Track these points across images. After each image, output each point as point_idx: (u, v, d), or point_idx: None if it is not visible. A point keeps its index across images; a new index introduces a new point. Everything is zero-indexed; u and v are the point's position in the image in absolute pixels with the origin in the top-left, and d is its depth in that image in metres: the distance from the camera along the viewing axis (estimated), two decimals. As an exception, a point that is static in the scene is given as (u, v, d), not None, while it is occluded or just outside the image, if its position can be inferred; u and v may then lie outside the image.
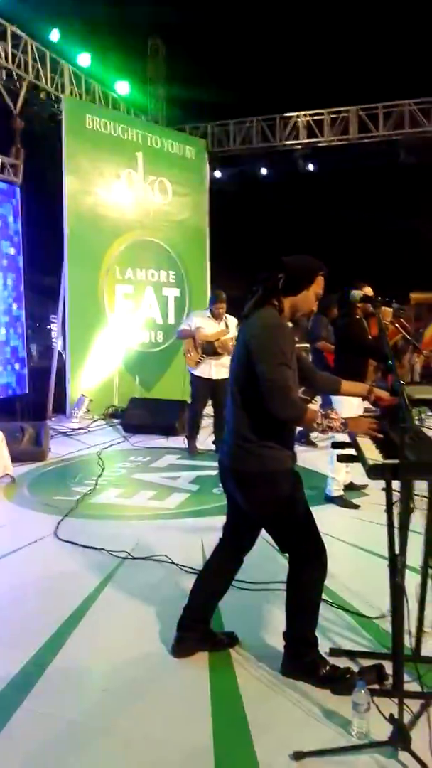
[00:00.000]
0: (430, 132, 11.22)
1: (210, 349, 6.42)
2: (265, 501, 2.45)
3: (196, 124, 12.36)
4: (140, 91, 12.88)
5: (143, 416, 8.15)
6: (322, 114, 11.76)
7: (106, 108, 11.28)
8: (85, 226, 9.61)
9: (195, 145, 11.55)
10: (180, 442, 7.35)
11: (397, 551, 2.23)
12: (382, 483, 2.65)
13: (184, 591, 2.81)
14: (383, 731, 2.13)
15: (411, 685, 2.41)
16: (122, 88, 12.04)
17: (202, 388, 6.56)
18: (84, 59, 11.29)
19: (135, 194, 10.34)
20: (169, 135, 11.20)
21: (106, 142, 9.91)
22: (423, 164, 11.63)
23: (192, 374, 6.63)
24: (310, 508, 2.53)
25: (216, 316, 6.47)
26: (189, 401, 7.10)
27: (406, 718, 2.14)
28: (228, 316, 6.50)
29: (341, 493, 4.98)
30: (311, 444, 7.19)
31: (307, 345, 8.34)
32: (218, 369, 6.39)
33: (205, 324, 6.49)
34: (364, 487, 5.28)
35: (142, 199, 10.43)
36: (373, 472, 2.14)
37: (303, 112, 11.87)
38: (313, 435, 7.22)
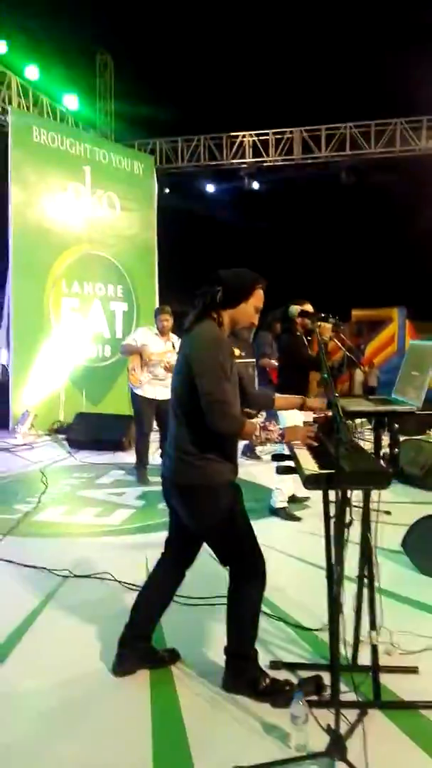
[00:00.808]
0: (370, 154, 11.63)
1: (155, 369, 6.08)
2: (206, 513, 2.46)
3: (144, 140, 12.44)
4: (89, 106, 12.88)
5: (90, 432, 8.04)
6: (267, 134, 12.03)
7: (54, 121, 11.23)
8: (30, 238, 9.49)
9: (143, 161, 11.59)
10: (127, 457, 7.29)
11: (333, 561, 2.27)
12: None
13: (126, 608, 2.77)
14: (321, 742, 2.14)
15: (348, 696, 2.45)
16: (70, 101, 12.02)
17: (147, 408, 6.16)
18: (32, 72, 11.23)
19: (82, 208, 10.28)
20: (117, 150, 11.21)
21: (53, 155, 9.85)
22: (362, 185, 12.04)
23: (135, 394, 6.19)
24: (254, 520, 2.55)
25: (162, 332, 6.15)
26: (134, 423, 6.60)
27: (343, 729, 2.16)
28: (174, 336, 6.19)
29: (285, 505, 5.03)
30: (256, 457, 7.24)
31: (253, 360, 8.43)
32: (162, 389, 6.03)
33: (151, 341, 6.13)
34: (306, 499, 5.35)
35: (89, 213, 10.38)
36: (310, 481, 2.18)
37: (249, 132, 12.11)
38: (259, 449, 7.28)
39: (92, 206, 10.45)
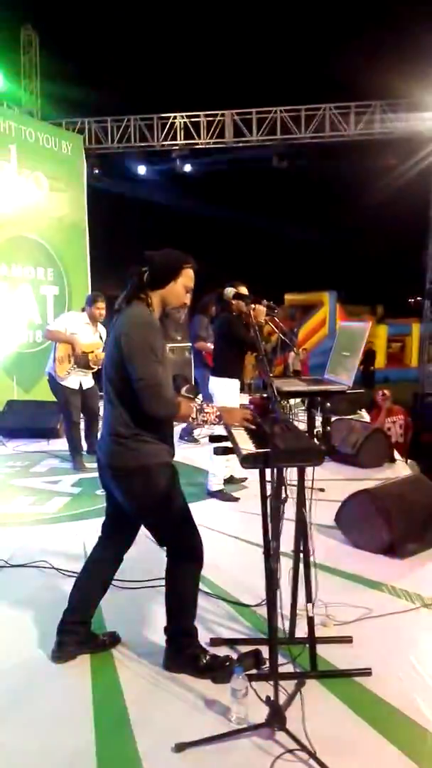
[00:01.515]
0: (300, 139, 11.75)
1: (83, 362, 5.93)
2: (142, 495, 2.45)
3: (72, 120, 12.11)
4: (14, 83, 12.41)
5: (22, 419, 7.83)
6: (198, 116, 11.94)
7: (-25, 97, 10.76)
8: None
9: (71, 141, 11.29)
10: (61, 445, 7.16)
11: (270, 537, 2.31)
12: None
13: (64, 596, 2.75)
14: (261, 714, 2.20)
15: (287, 667, 2.52)
16: (-7, 77, 11.55)
17: (73, 398, 6.03)
18: None
19: (8, 188, 9.93)
20: (44, 129, 10.87)
21: (-25, 133, 9.44)
22: (294, 170, 12.16)
23: (59, 384, 5.96)
24: (193, 503, 2.57)
25: (93, 319, 5.99)
26: (62, 414, 6.34)
27: (282, 699, 2.23)
28: (101, 326, 6.06)
29: (221, 487, 5.10)
30: (194, 441, 7.28)
31: (189, 344, 8.43)
32: (86, 379, 6.06)
33: (81, 330, 5.94)
34: (244, 479, 5.43)
35: (16, 193, 10.04)
36: (246, 460, 2.21)
37: (180, 114, 11.99)
38: (196, 432, 7.32)
39: (19, 186, 10.11)
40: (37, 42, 13.18)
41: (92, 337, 5.97)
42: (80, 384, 6.03)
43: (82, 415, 6.19)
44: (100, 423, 4.82)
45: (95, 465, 5.99)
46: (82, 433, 6.33)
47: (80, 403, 6.07)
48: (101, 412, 4.75)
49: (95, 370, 6.01)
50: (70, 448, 6.22)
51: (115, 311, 2.47)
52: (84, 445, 6.32)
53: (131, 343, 2.33)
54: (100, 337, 5.97)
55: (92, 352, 5.92)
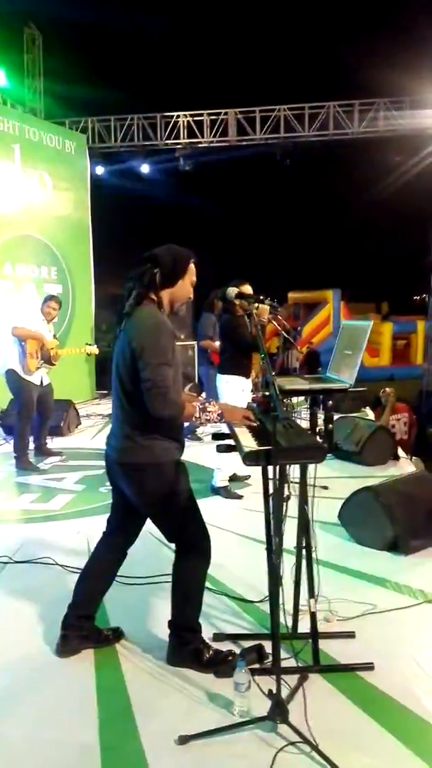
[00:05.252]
0: (304, 137, 11.73)
1: (47, 357, 6.13)
2: (153, 491, 2.48)
3: (76, 119, 12.11)
4: (17, 82, 12.42)
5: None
6: (201, 115, 11.94)
7: (-21, 97, 10.78)
8: (-42, 219, 9.14)
9: (75, 140, 11.31)
10: (66, 442, 7.20)
11: (272, 533, 2.34)
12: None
13: (69, 592, 2.77)
14: (264, 707, 2.22)
15: (289, 662, 2.55)
16: (-3, 77, 11.56)
17: (35, 394, 6.12)
18: None
19: (13, 187, 9.96)
20: (48, 128, 10.89)
21: (-21, 132, 9.47)
22: (298, 168, 12.14)
23: (24, 380, 6.01)
24: (197, 500, 2.59)
25: (48, 319, 6.23)
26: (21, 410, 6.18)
27: (284, 693, 2.25)
28: (50, 324, 6.32)
29: (226, 483, 5.12)
30: (197, 439, 7.30)
31: (192, 342, 8.45)
32: (45, 375, 6.28)
33: (41, 327, 6.14)
34: (247, 477, 5.45)
35: (20, 192, 10.07)
36: (248, 458, 2.23)
37: (183, 112, 11.99)
38: (200, 430, 7.34)
39: (23, 185, 10.14)
40: (40, 41, 13.17)
41: (49, 335, 6.24)
42: (41, 380, 6.21)
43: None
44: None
45: (90, 461, 6.08)
46: (25, 435, 6.23)
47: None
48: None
49: (55, 366, 6.29)
50: (19, 447, 6.14)
51: (125, 314, 2.47)
52: (31, 444, 6.37)
53: (143, 344, 2.35)
54: (55, 336, 6.35)
55: (53, 348, 6.17)
